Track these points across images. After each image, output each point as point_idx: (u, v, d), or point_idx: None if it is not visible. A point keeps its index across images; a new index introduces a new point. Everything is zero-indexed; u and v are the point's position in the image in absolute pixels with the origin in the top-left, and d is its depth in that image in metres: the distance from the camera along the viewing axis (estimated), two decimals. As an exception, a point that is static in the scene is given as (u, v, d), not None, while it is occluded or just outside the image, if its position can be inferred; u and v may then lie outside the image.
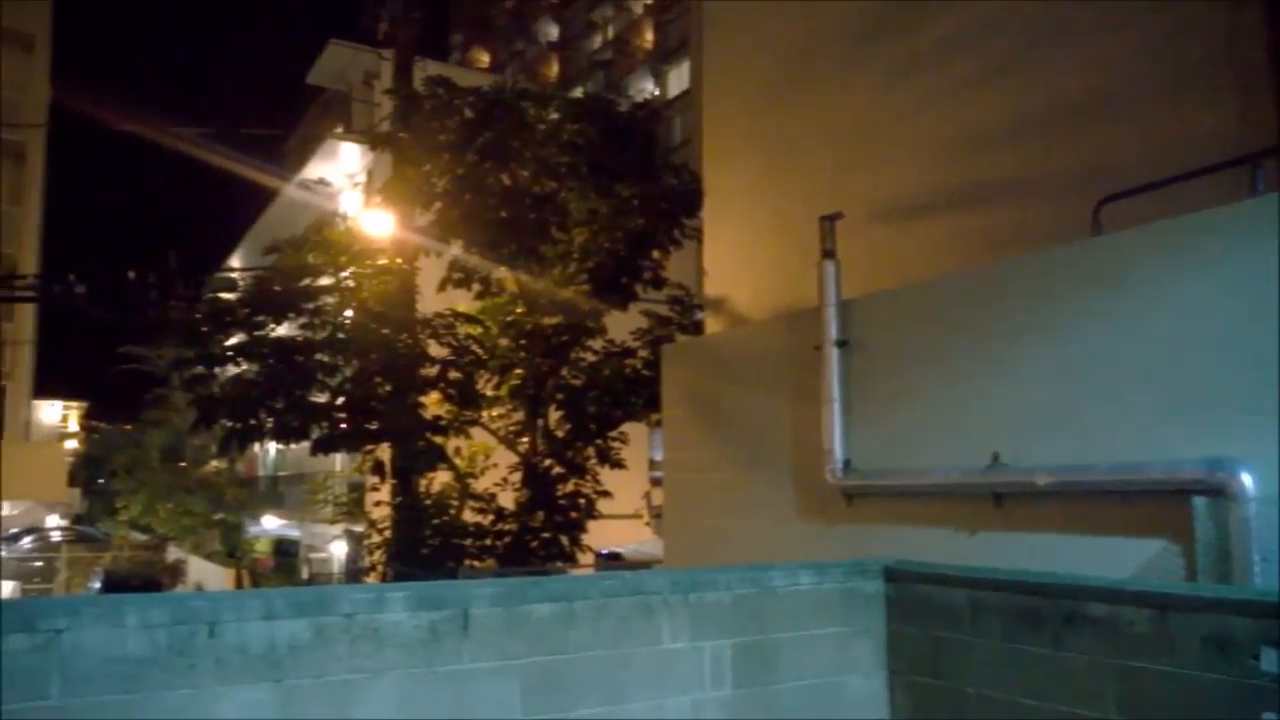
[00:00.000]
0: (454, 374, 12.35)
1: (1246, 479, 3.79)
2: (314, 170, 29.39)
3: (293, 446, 12.96)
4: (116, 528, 40.51)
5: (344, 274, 12.39)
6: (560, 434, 13.04)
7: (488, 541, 12.48)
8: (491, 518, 12.64)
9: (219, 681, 2.67)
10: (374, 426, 11.80)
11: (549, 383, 12.91)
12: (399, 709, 2.91)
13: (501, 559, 12.14)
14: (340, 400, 11.90)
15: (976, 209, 6.60)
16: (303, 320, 12.16)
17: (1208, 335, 4.07)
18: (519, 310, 12.55)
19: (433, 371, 12.25)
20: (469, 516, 12.76)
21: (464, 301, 12.84)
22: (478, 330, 12.69)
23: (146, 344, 34.97)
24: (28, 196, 27.13)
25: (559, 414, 13.08)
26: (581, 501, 12.86)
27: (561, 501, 12.75)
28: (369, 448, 12.48)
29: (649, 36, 46.74)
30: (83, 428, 61.83)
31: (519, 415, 13.13)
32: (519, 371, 12.67)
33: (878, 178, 7.36)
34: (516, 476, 12.96)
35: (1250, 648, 2.74)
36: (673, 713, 3.37)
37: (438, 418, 12.31)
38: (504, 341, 12.61)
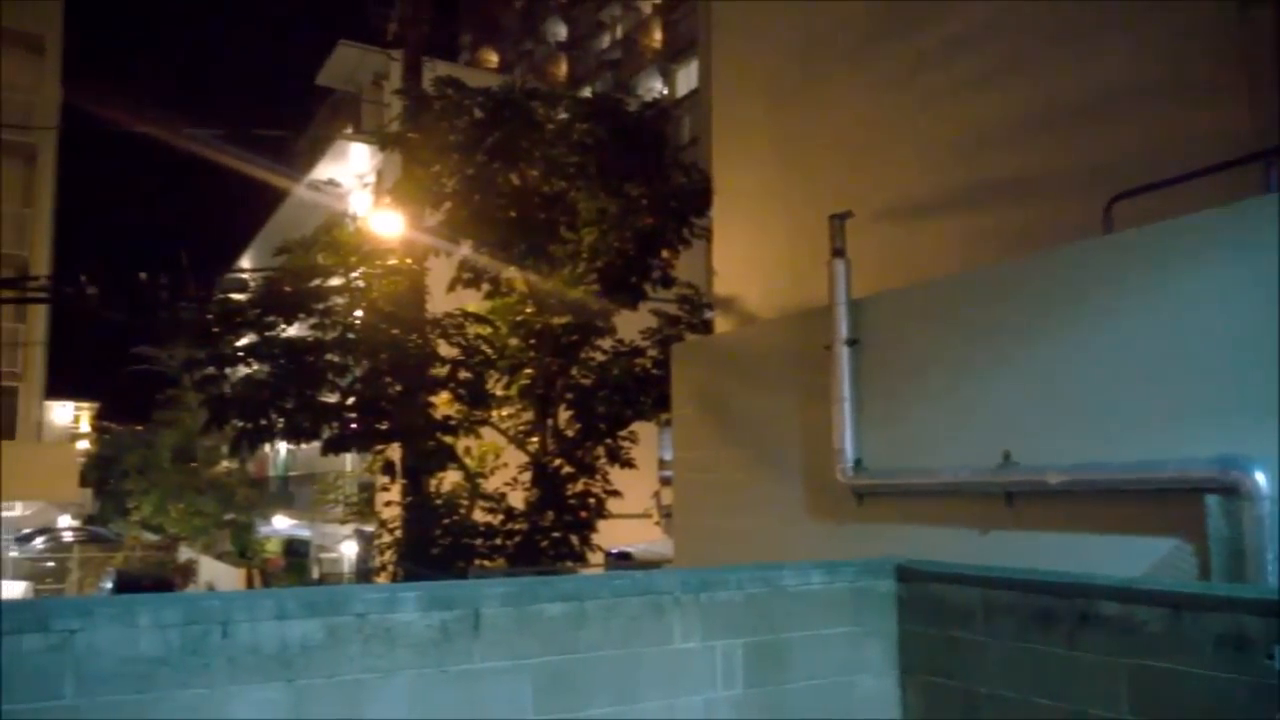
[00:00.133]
0: (464, 374, 12.36)
1: (1260, 477, 3.77)
2: (323, 171, 29.45)
3: (303, 447, 12.99)
4: (128, 528, 40.70)
5: (354, 274, 12.40)
6: (570, 433, 13.04)
7: (498, 541, 12.48)
8: (501, 517, 12.65)
9: (232, 681, 2.68)
10: (384, 426, 11.82)
11: (559, 382, 12.91)
12: (410, 709, 2.91)
13: (511, 559, 12.15)
14: (350, 400, 11.92)
15: (986, 207, 6.58)
16: (313, 321, 12.18)
17: (1221, 333, 4.05)
18: (528, 310, 12.56)
19: (443, 371, 12.27)
20: (479, 516, 12.77)
21: (473, 301, 12.85)
22: (487, 330, 12.71)
23: (158, 345, 35.09)
24: (39, 198, 27.22)
25: (569, 413, 13.09)
26: (591, 501, 12.86)
27: (571, 501, 12.75)
28: (379, 448, 12.49)
29: (657, 36, 46.71)
30: (94, 428, 62.07)
31: (529, 415, 13.14)
32: (529, 371, 12.67)
33: (887, 176, 7.35)
34: (526, 476, 12.97)
35: (1265, 647, 2.73)
36: (684, 712, 3.37)
37: (448, 417, 12.33)
38: (513, 341, 12.62)
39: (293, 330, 12.38)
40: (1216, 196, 4.35)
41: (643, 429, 13.65)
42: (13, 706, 2.44)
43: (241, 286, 13.17)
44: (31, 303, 22.77)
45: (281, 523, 32.46)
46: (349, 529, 24.41)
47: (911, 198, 7.16)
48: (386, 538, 13.24)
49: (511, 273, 12.42)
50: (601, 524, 13.01)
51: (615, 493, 13.09)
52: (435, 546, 12.26)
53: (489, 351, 12.66)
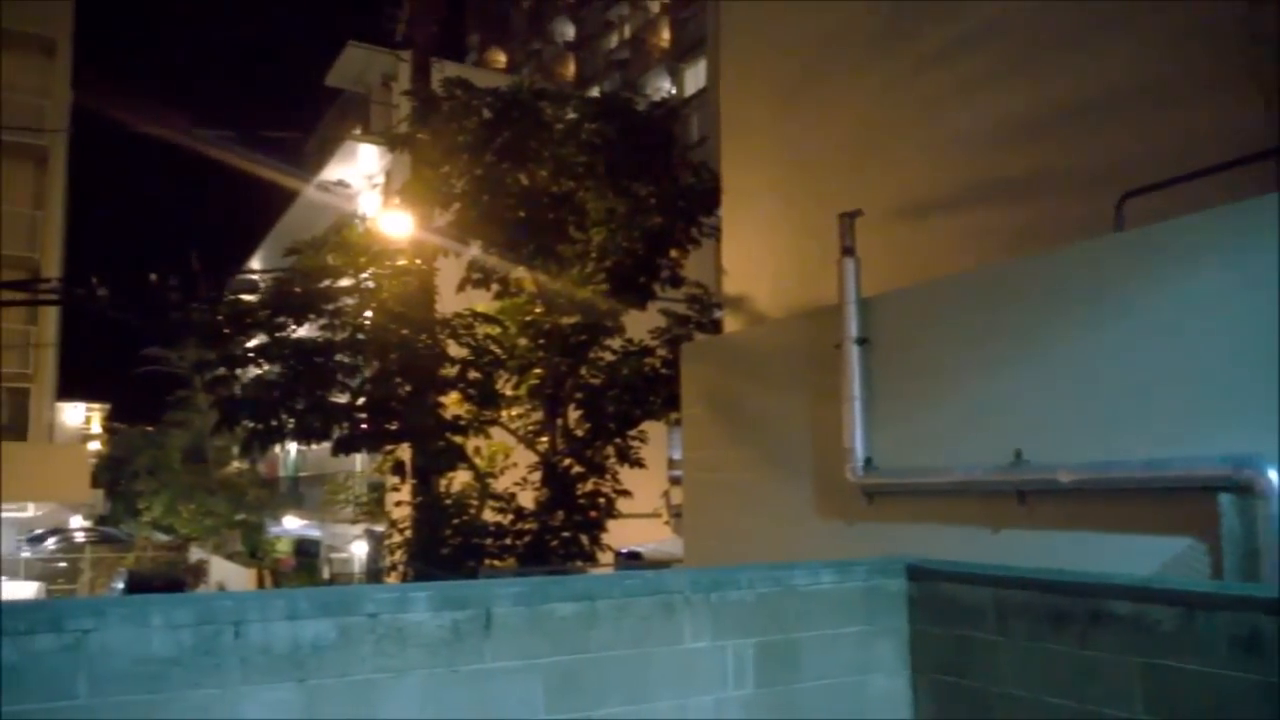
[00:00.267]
0: (473, 374, 12.37)
1: (1274, 476, 3.76)
2: (333, 172, 29.56)
3: (313, 447, 13.02)
4: (139, 528, 40.86)
5: (363, 275, 12.42)
6: (579, 433, 13.05)
7: (508, 541, 12.49)
8: (511, 517, 12.66)
9: (244, 681, 2.69)
10: (394, 427, 11.84)
11: (568, 382, 12.92)
12: (422, 709, 2.91)
13: (521, 558, 12.16)
14: (360, 401, 11.94)
15: (995, 206, 6.56)
16: (323, 321, 12.21)
17: (1234, 331, 4.03)
18: (538, 310, 12.57)
19: (452, 371, 12.28)
20: (489, 516, 12.78)
21: (483, 301, 12.87)
22: (496, 330, 12.72)
23: (168, 346, 35.22)
24: (50, 200, 27.34)
25: (578, 413, 13.09)
26: (601, 501, 12.86)
27: (581, 501, 12.76)
28: (389, 448, 12.52)
29: (665, 35, 46.70)
30: (105, 429, 62.29)
31: (538, 415, 13.15)
32: (538, 371, 12.68)
33: (897, 175, 7.33)
34: (536, 476, 12.97)
35: (1279, 647, 2.71)
36: (695, 712, 3.37)
37: (457, 417, 12.34)
38: (523, 341, 12.63)
39: (303, 331, 12.40)
40: (1229, 194, 4.33)
41: (652, 428, 13.64)
42: (26, 706, 2.45)
43: (252, 287, 13.19)
44: (43, 304, 22.87)
45: (292, 523, 32.58)
46: (359, 529, 24.49)
47: (920, 196, 7.14)
48: (397, 538, 13.25)
49: (520, 273, 12.43)
50: (611, 523, 13.01)
51: (625, 492, 13.09)
52: (445, 546, 12.27)
53: (498, 351, 12.67)
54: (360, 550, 26.05)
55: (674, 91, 39.74)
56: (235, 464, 35.57)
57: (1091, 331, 4.61)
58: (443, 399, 12.22)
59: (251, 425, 11.56)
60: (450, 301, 12.96)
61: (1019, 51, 6.54)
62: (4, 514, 29.90)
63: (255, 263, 35.87)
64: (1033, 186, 6.29)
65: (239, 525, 34.46)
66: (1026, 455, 4.76)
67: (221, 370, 12.09)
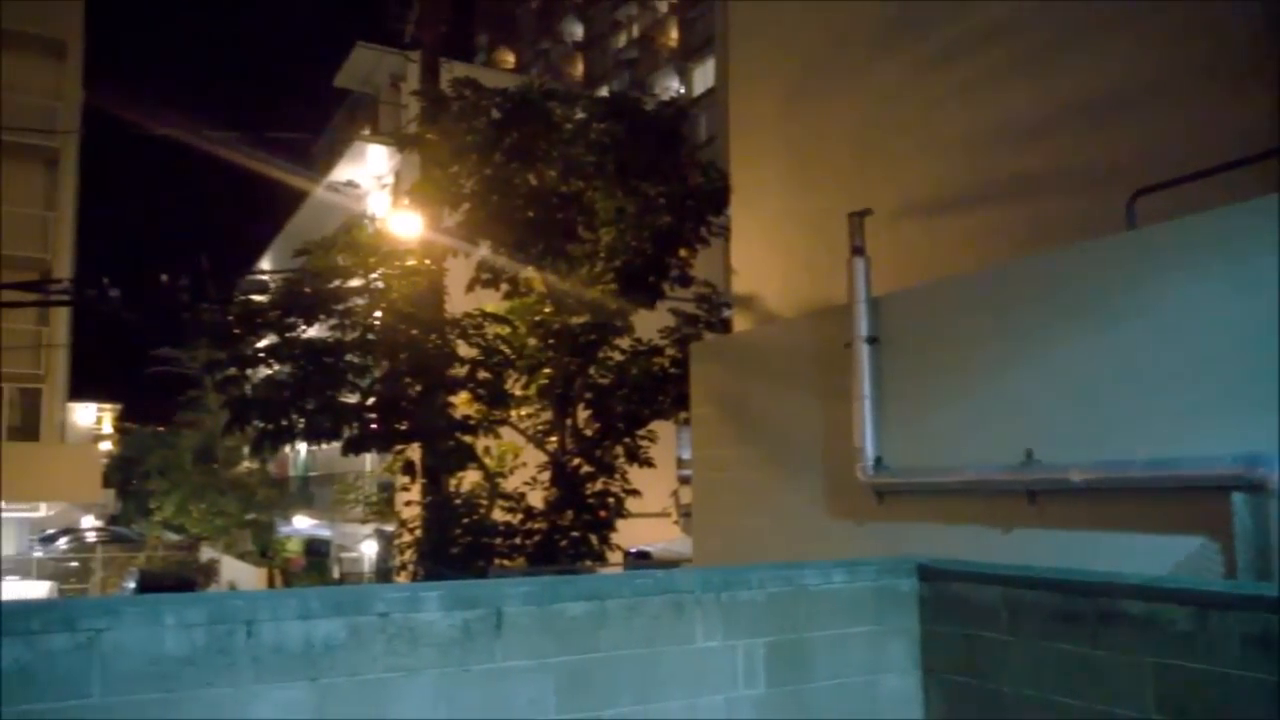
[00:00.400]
0: (483, 374, 12.39)
1: (1286, 475, 3.73)
2: (342, 172, 29.60)
3: (323, 447, 13.06)
4: (150, 528, 41.01)
5: (373, 275, 12.45)
6: (589, 433, 13.05)
7: (517, 540, 12.51)
8: (521, 517, 12.67)
9: (256, 680, 2.70)
10: (404, 426, 11.86)
11: (577, 382, 12.92)
12: (434, 708, 2.92)
13: (531, 558, 12.17)
14: (370, 401, 11.96)
15: (1006, 204, 6.54)
16: (333, 322, 12.23)
17: (1245, 329, 4.01)
18: (547, 310, 12.58)
19: (462, 371, 12.30)
20: (498, 515, 12.80)
21: (492, 301, 12.88)
22: (506, 330, 12.73)
23: (179, 346, 35.33)
24: (61, 201, 27.45)
25: (587, 413, 13.10)
26: (610, 500, 12.87)
27: (590, 500, 12.76)
28: (399, 448, 12.54)
29: (674, 34, 46.69)
30: (116, 430, 62.54)
31: (547, 414, 13.16)
32: (547, 371, 12.69)
33: (906, 173, 7.32)
34: (545, 475, 12.99)
35: (1293, 646, 2.70)
36: (706, 712, 3.37)
37: (467, 417, 12.36)
38: (532, 341, 12.64)
39: (313, 331, 12.43)
40: (1244, 191, 4.31)
41: (661, 428, 13.64)
42: (41, 705, 2.46)
43: (262, 288, 13.22)
44: (54, 305, 22.94)
45: (302, 523, 32.64)
46: (369, 529, 24.52)
47: (930, 195, 7.13)
48: (406, 537, 13.29)
49: (530, 273, 12.44)
50: (620, 523, 13.01)
51: (634, 492, 13.09)
52: (455, 546, 12.29)
53: (508, 351, 12.69)
54: (370, 550, 26.10)
55: (682, 91, 39.73)
56: (246, 464, 35.66)
57: (1102, 330, 4.59)
58: (452, 399, 12.24)
59: (262, 425, 11.59)
60: (460, 302, 12.97)
61: (1027, 50, 6.52)
62: (17, 514, 30.07)
63: (265, 263, 35.96)
64: (1042, 185, 6.28)
65: (249, 525, 34.59)
66: (1037, 454, 4.75)
67: (232, 370, 12.13)
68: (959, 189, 6.93)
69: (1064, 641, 3.32)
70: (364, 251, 12.49)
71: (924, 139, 7.22)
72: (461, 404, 12.42)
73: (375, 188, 28.22)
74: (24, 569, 30.35)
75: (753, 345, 7.72)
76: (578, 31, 55.45)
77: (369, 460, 20.80)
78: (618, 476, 13.06)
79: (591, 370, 13.02)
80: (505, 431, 13.13)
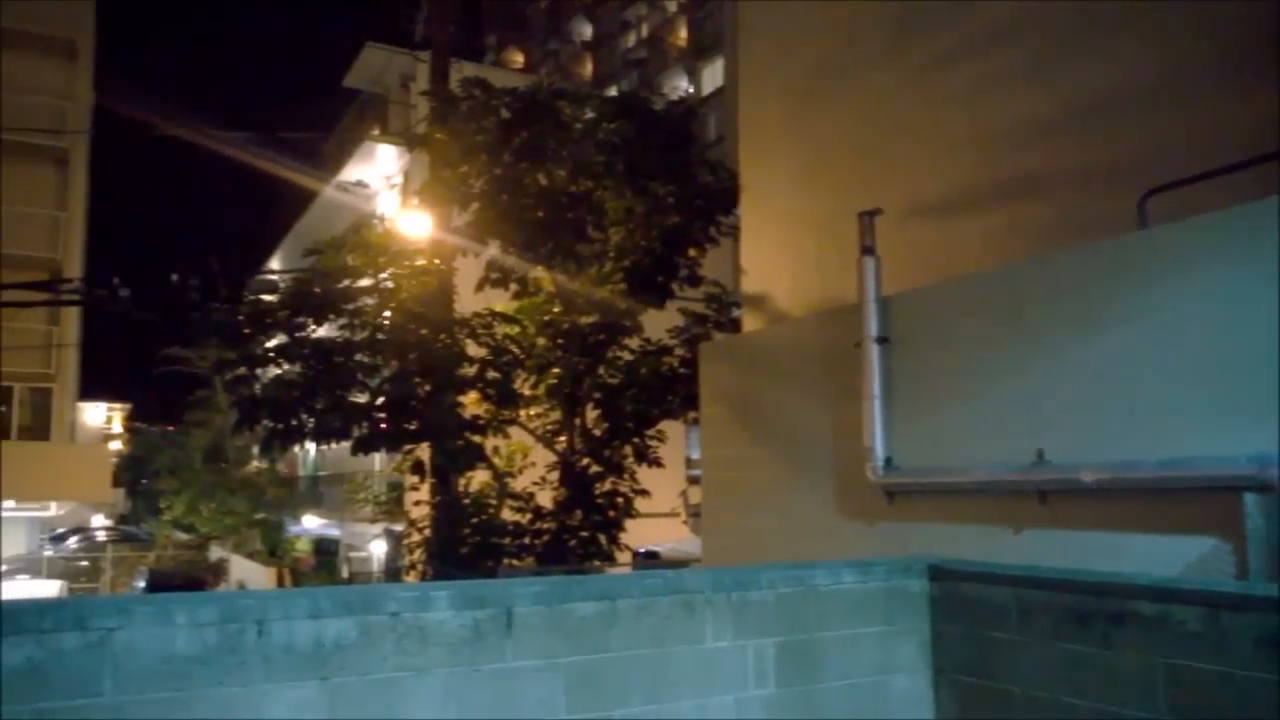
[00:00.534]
0: (492, 373, 12.38)
1: (1300, 475, 3.71)
2: (351, 172, 29.68)
3: (332, 447, 13.06)
4: (160, 527, 41.20)
5: (383, 275, 12.45)
6: (598, 433, 13.05)
7: (526, 540, 12.51)
8: (530, 516, 12.67)
9: (267, 680, 2.70)
10: (413, 426, 11.86)
11: (586, 381, 12.92)
12: (444, 707, 2.92)
13: (540, 558, 12.17)
14: (380, 400, 11.97)
15: (1016, 204, 6.53)
16: (342, 321, 12.24)
17: (1258, 328, 3.99)
18: (556, 309, 12.58)
19: (471, 371, 12.30)
20: (507, 515, 12.80)
21: (501, 301, 12.89)
22: (515, 330, 12.73)
23: (189, 346, 35.45)
24: (71, 201, 27.58)
25: (596, 413, 13.09)
26: (619, 500, 12.86)
27: (599, 500, 12.76)
28: (408, 447, 12.55)
29: (683, 34, 46.70)
30: (126, 429, 62.81)
31: (556, 414, 13.16)
32: (556, 371, 12.69)
33: (915, 173, 7.30)
34: (554, 475, 12.98)
35: (1307, 648, 2.69)
36: (716, 712, 3.37)
37: (476, 417, 12.36)
38: (541, 341, 12.64)
39: (322, 331, 12.45)
40: (1254, 190, 4.29)
41: (670, 428, 13.64)
42: (52, 704, 2.47)
43: (271, 288, 13.24)
44: (64, 305, 23.06)
45: (311, 522, 32.75)
46: (378, 528, 24.58)
47: (940, 194, 7.11)
48: (415, 537, 13.29)
49: (539, 272, 12.44)
50: (628, 523, 13.01)
51: (643, 492, 13.09)
52: (464, 546, 12.30)
53: (517, 351, 12.69)
54: (379, 549, 26.16)
55: (691, 90, 39.74)
56: (255, 463, 35.82)
57: (1113, 330, 4.58)
58: (461, 398, 12.24)
59: (271, 425, 11.61)
60: (469, 301, 12.98)
61: (1038, 48, 6.50)
62: (27, 513, 30.22)
63: (275, 263, 36.09)
64: (1052, 184, 6.26)
65: (259, 524, 34.71)
66: (1048, 455, 4.73)
67: (242, 370, 12.14)
68: (969, 189, 6.91)
69: (1075, 642, 3.31)
70: (373, 251, 12.50)
71: (934, 139, 7.20)
72: (470, 404, 12.42)
73: (384, 187, 28.29)
74: (34, 568, 30.50)
75: (762, 345, 7.72)
76: (586, 31, 55.51)
77: (378, 460, 20.85)
78: (627, 476, 13.04)
79: (600, 370, 13.01)
80: (514, 431, 13.13)
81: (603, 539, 12.63)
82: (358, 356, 11.96)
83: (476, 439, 12.19)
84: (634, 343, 13.15)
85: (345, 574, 29.65)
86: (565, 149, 11.98)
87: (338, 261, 12.37)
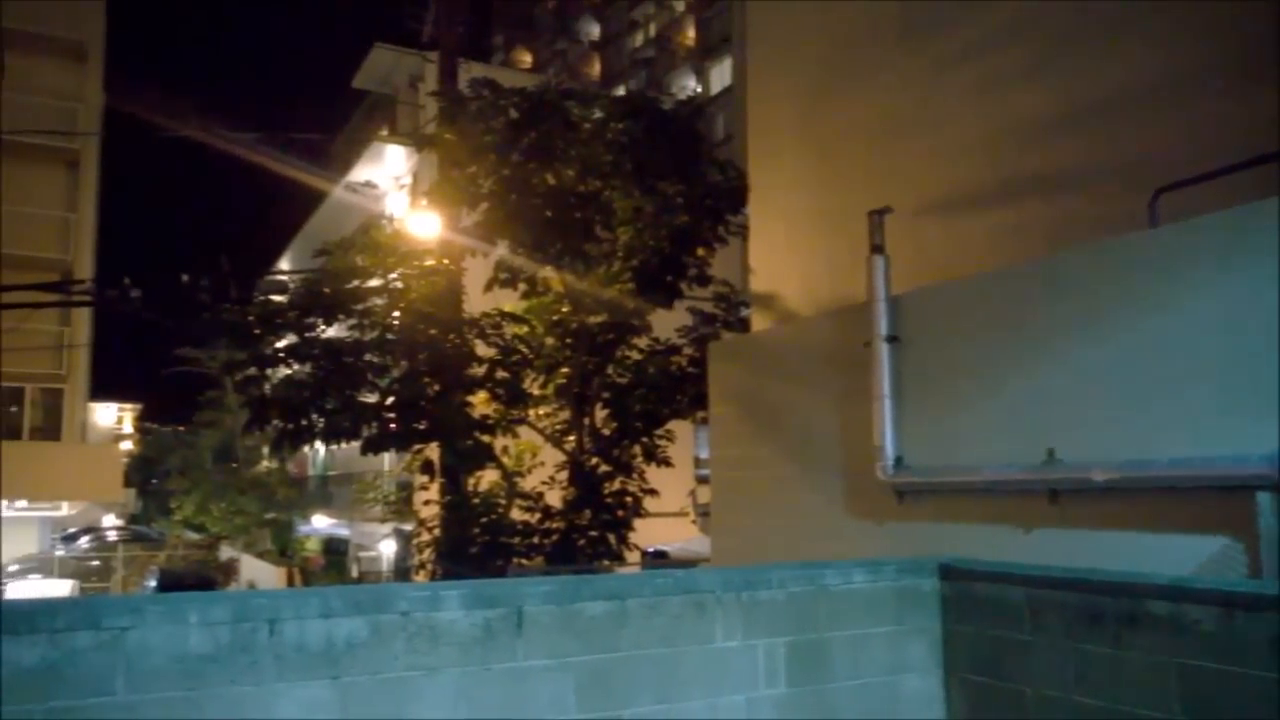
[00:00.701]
0: (501, 373, 12.40)
1: (1313, 474, 3.70)
2: (360, 173, 29.73)
3: (342, 447, 13.09)
4: (171, 527, 41.35)
5: (392, 275, 12.47)
6: (606, 432, 13.05)
7: (535, 540, 12.52)
8: (539, 516, 12.68)
9: (279, 679, 2.71)
10: (423, 426, 11.87)
11: (595, 381, 12.92)
12: (455, 707, 2.93)
13: (549, 557, 12.18)
14: (389, 400, 11.99)
15: (1026, 203, 6.51)
16: (352, 321, 12.27)
17: (1269, 327, 3.97)
18: (564, 309, 12.58)
19: (480, 371, 12.31)
20: (516, 515, 12.81)
21: (510, 301, 12.89)
22: (524, 330, 12.74)
23: (199, 346, 35.58)
24: (82, 203, 27.68)
25: (605, 412, 13.09)
26: (628, 500, 12.86)
27: (608, 500, 12.76)
28: (418, 447, 12.57)
29: (690, 33, 46.68)
30: (137, 429, 63.08)
31: (565, 414, 13.16)
32: (565, 370, 12.69)
33: (924, 172, 7.29)
34: (563, 475, 12.99)
35: (1321, 647, 2.67)
36: (726, 712, 3.36)
37: (485, 417, 12.37)
38: (550, 340, 12.64)
39: (332, 331, 12.47)
40: (1270, 188, 4.27)
41: (679, 427, 13.63)
42: (65, 702, 2.48)
43: (281, 288, 13.26)
44: (75, 306, 23.15)
45: (321, 522, 32.81)
46: (387, 528, 24.61)
47: (948, 193, 7.10)
48: (425, 536, 13.31)
49: (548, 272, 12.44)
50: (637, 522, 13.00)
51: (652, 491, 13.08)
52: (473, 545, 12.31)
53: (526, 351, 12.70)
54: (388, 549, 26.20)
55: (699, 90, 39.70)
56: (265, 463, 35.90)
57: (1125, 328, 4.56)
58: (471, 398, 12.25)
59: (282, 425, 11.64)
60: (478, 301, 12.99)
61: (1047, 47, 6.48)
62: (39, 513, 30.36)
63: (284, 263, 36.16)
64: (1061, 183, 6.24)
65: (269, 524, 34.80)
66: (1059, 454, 4.72)
67: (252, 370, 12.17)
68: (978, 187, 6.90)
69: (1087, 642, 3.30)
70: (382, 252, 12.52)
71: (943, 137, 7.19)
72: (480, 403, 12.43)
73: (393, 188, 28.33)
74: (46, 567, 30.63)
75: (771, 344, 7.71)
76: (594, 31, 55.50)
77: (387, 460, 20.88)
78: (635, 476, 13.04)
79: (609, 369, 13.01)
80: (523, 431, 13.14)
81: (612, 538, 12.63)
82: (367, 357, 11.98)
83: (486, 439, 12.20)
84: (643, 342, 13.15)
85: (355, 573, 29.71)
86: (574, 149, 11.97)
87: (347, 262, 12.40)
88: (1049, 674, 3.43)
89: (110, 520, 44.95)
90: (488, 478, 13.02)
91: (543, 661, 3.07)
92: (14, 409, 27.22)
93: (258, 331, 12.10)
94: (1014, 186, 6.61)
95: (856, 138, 8.04)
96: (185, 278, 12.87)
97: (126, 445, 53.36)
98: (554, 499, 12.90)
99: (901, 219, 6.20)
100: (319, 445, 13.70)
